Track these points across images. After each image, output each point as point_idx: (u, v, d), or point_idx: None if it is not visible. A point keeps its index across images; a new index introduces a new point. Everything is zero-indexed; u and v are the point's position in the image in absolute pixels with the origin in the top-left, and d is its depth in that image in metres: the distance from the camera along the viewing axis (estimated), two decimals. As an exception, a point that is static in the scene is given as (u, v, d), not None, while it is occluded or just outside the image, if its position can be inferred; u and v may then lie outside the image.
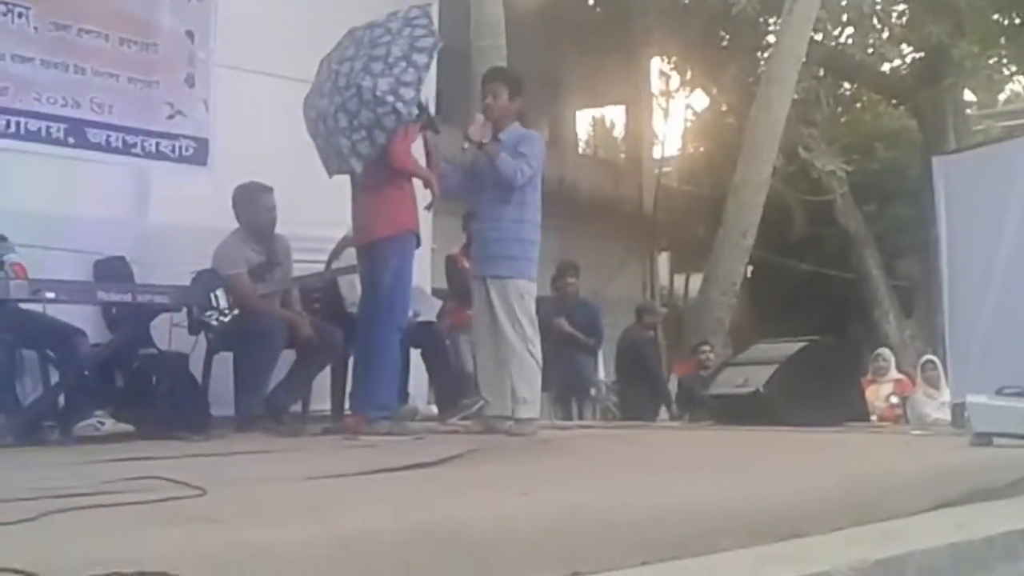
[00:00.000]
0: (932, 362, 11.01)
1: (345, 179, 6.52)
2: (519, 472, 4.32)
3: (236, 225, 7.10)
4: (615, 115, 24.45)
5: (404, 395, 7.38)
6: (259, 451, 5.20)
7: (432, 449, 5.00)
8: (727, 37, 18.77)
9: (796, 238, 20.26)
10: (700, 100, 21.67)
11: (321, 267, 7.69)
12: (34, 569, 2.06)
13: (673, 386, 12.61)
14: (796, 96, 15.04)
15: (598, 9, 19.58)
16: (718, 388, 8.77)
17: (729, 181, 14.74)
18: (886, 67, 20.41)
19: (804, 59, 14.66)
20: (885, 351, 12.80)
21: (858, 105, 22.85)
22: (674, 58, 20.45)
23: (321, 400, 7.47)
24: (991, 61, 18.97)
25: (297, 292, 7.35)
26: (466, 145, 6.50)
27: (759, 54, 18.48)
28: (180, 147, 7.30)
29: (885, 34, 18.93)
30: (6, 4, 6.58)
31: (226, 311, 6.79)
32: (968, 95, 21.08)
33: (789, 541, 3.14)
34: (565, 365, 10.36)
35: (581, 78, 20.13)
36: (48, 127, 6.71)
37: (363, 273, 6.67)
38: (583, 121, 23.91)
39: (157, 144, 7.20)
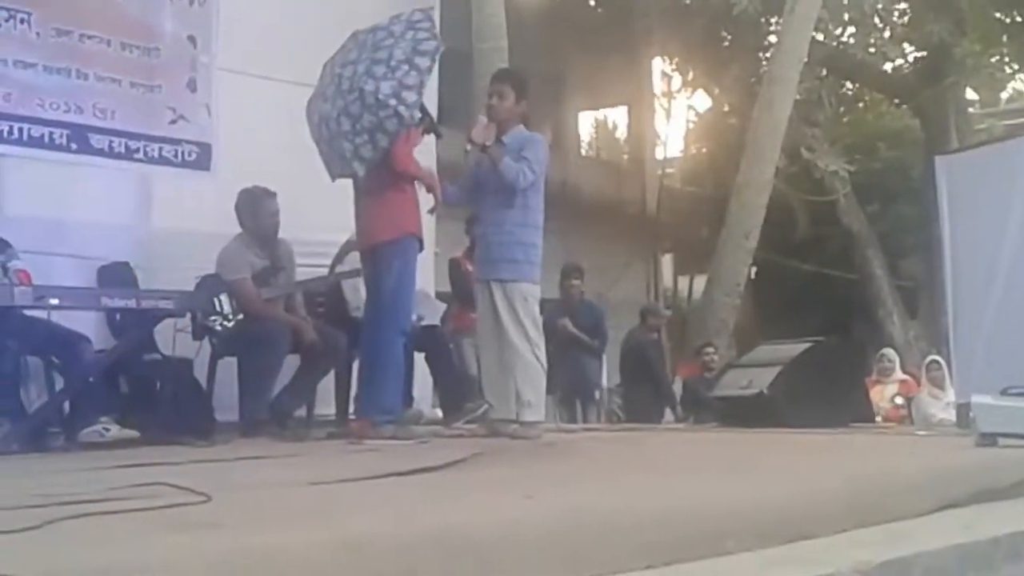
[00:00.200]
0: (937, 362, 10.99)
1: (348, 183, 6.52)
2: (524, 475, 4.32)
3: (239, 230, 7.10)
4: (617, 116, 24.44)
5: (408, 399, 7.37)
6: (264, 456, 5.19)
7: (436, 453, 5.00)
8: (729, 37, 18.77)
9: (799, 239, 20.25)
10: (702, 101, 21.71)
11: (324, 271, 7.69)
12: (40, 577, 2.06)
13: (677, 388, 12.61)
14: (798, 96, 15.03)
15: (599, 10, 19.59)
16: (722, 390, 8.77)
17: (732, 182, 14.73)
18: (888, 66, 20.39)
19: (806, 59, 14.66)
20: (889, 352, 12.79)
21: (860, 105, 22.83)
22: (676, 59, 20.46)
23: (326, 405, 7.47)
24: (993, 60, 18.96)
25: (301, 296, 7.35)
26: (469, 147, 6.51)
27: (761, 54, 18.49)
28: (183, 152, 7.30)
29: (887, 33, 18.94)
30: (8, 10, 6.58)
31: (230, 316, 6.79)
32: (970, 94, 21.07)
33: (794, 543, 3.13)
34: (570, 367, 10.36)
35: (583, 79, 20.13)
36: (51, 133, 6.71)
37: (367, 277, 6.67)
38: (585, 122, 23.91)
39: (160, 149, 7.20)
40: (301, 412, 7.23)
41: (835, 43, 18.50)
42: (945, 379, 10.42)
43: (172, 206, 7.51)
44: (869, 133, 22.16)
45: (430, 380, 7.98)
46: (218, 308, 6.72)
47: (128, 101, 7.05)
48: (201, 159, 7.36)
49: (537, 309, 6.58)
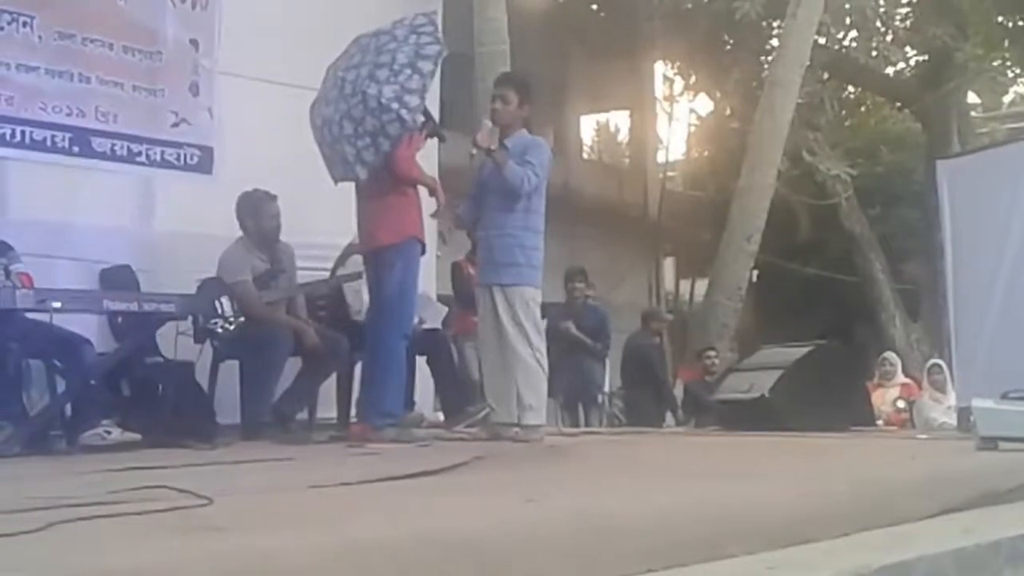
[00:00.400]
0: (938, 366, 10.99)
1: (350, 186, 6.53)
2: (525, 479, 4.32)
3: (241, 233, 7.11)
4: (619, 120, 24.47)
5: (410, 402, 7.38)
6: (265, 459, 5.19)
7: (438, 456, 5.00)
8: (731, 41, 18.74)
9: (801, 242, 20.23)
10: (704, 104, 21.68)
11: (327, 275, 7.69)
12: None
13: (679, 392, 12.62)
14: (800, 100, 15.02)
15: (602, 14, 19.58)
16: (724, 393, 8.78)
17: (733, 185, 14.74)
18: (890, 70, 20.38)
19: (808, 63, 14.66)
20: (891, 355, 12.80)
21: (862, 108, 22.82)
22: (678, 62, 20.44)
23: (327, 408, 7.47)
24: (995, 64, 18.93)
25: (303, 300, 7.36)
26: (474, 151, 6.51)
27: (763, 58, 18.48)
28: (185, 155, 7.29)
29: (889, 37, 18.90)
30: (11, 13, 6.58)
31: (231, 319, 6.80)
32: (972, 98, 21.06)
33: (795, 547, 3.14)
34: (572, 371, 10.38)
35: (585, 83, 20.14)
36: (53, 136, 6.71)
37: (369, 281, 6.68)
38: (587, 126, 23.92)
39: (162, 153, 7.20)
40: (303, 415, 7.24)
41: (837, 47, 18.48)
42: (947, 383, 10.43)
43: (174, 209, 7.52)
44: (871, 137, 22.15)
45: (431, 383, 7.98)
46: (219, 311, 6.72)
47: (130, 105, 7.04)
48: (203, 162, 7.36)
49: (539, 313, 6.59)
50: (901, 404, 11.51)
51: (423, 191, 6.61)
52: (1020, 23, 18.48)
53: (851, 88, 21.46)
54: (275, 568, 2.34)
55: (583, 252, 14.57)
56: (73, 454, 5.73)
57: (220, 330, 6.71)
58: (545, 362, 6.54)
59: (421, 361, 7.64)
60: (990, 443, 5.30)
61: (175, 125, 7.26)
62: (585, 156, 23.20)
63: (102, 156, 6.94)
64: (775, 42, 16.96)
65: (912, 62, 20.46)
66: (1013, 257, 7.65)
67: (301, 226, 7.41)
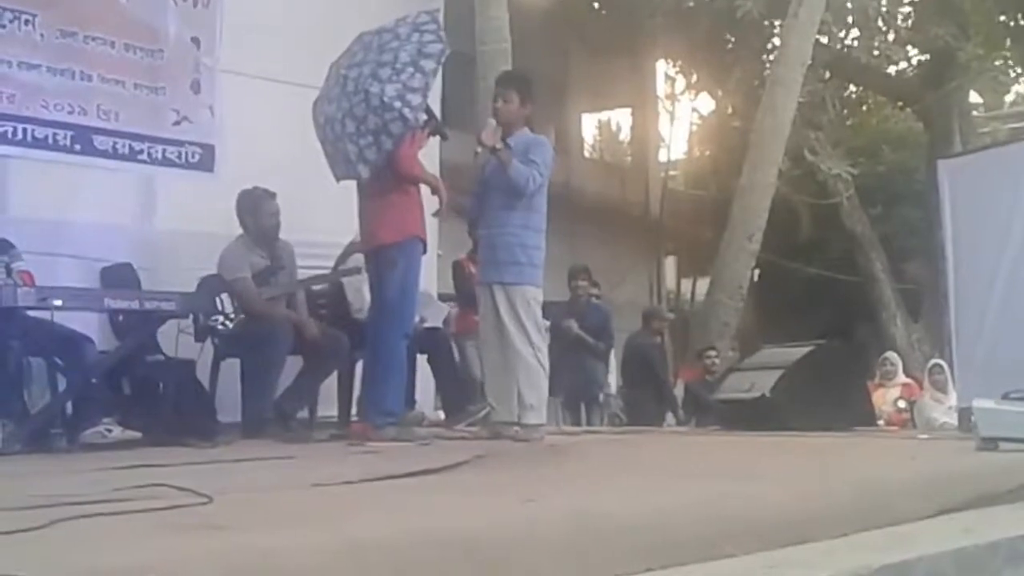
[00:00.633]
0: (939, 366, 10.98)
1: (352, 185, 6.53)
2: (525, 478, 4.33)
3: (241, 231, 7.13)
4: (621, 118, 24.47)
5: (411, 401, 7.39)
6: (266, 457, 5.20)
7: (438, 455, 5.00)
8: (732, 40, 18.75)
9: (802, 241, 20.24)
10: (706, 103, 21.70)
11: (327, 272, 7.70)
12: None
13: (679, 391, 12.62)
14: (802, 99, 15.02)
15: (603, 12, 19.57)
16: (725, 393, 8.77)
17: (735, 184, 14.74)
18: (892, 70, 20.37)
19: (810, 62, 14.65)
20: (892, 355, 12.80)
21: (864, 108, 22.82)
22: (680, 61, 20.44)
23: (328, 406, 7.48)
24: (997, 63, 18.94)
25: (303, 296, 7.35)
26: (479, 150, 6.52)
27: (764, 57, 18.48)
28: (186, 153, 7.29)
29: (891, 36, 18.90)
30: (13, 11, 6.58)
31: (231, 316, 6.81)
32: (974, 97, 21.05)
33: (795, 546, 3.14)
34: (575, 369, 10.37)
35: (586, 81, 20.13)
36: (55, 134, 6.71)
37: (371, 279, 6.68)
38: (588, 124, 23.91)
39: (163, 151, 7.20)
40: (303, 414, 7.24)
41: (839, 46, 18.48)
42: (947, 383, 10.42)
43: (175, 208, 7.53)
44: (872, 136, 22.14)
45: (432, 382, 7.99)
46: (219, 308, 6.74)
47: (132, 103, 7.05)
48: (204, 160, 7.36)
49: (539, 312, 6.59)
50: (902, 404, 11.51)
51: (425, 190, 6.62)
52: (1022, 23, 18.47)
53: (853, 87, 21.46)
54: (274, 566, 2.34)
55: (584, 251, 14.57)
56: (74, 452, 5.73)
57: (220, 326, 6.73)
58: (546, 361, 6.55)
59: (422, 360, 7.65)
60: (991, 443, 5.29)
61: (176, 123, 7.26)
62: (586, 155, 23.20)
63: (103, 154, 6.94)
64: (777, 41, 16.96)
65: (914, 61, 20.48)
66: (1014, 257, 7.64)
67: (302, 224, 7.41)
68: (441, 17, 6.88)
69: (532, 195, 6.49)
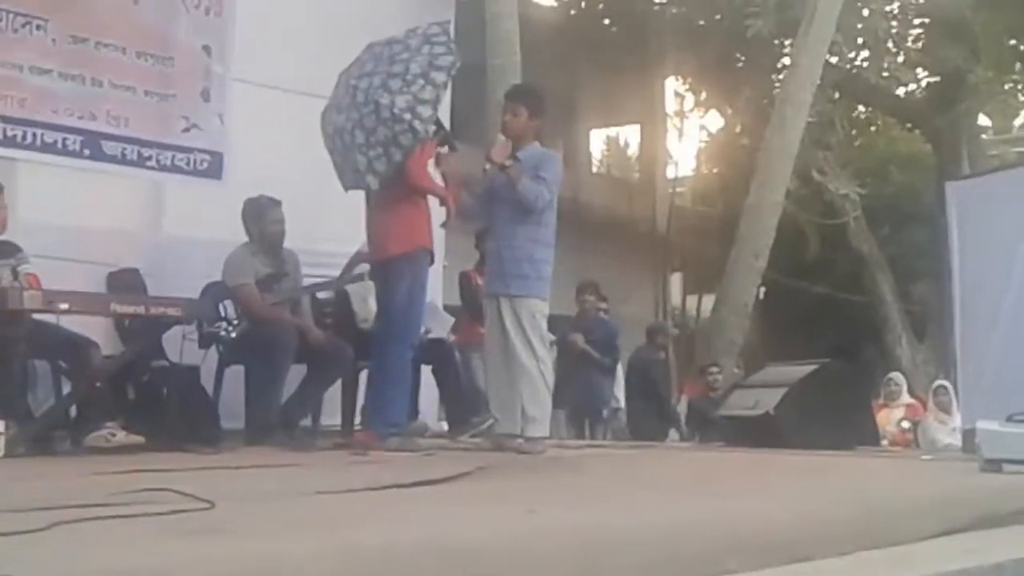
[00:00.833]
0: (944, 387, 10.97)
1: (359, 194, 6.54)
2: (527, 490, 4.33)
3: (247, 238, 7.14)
4: (629, 134, 24.46)
5: (414, 411, 7.38)
6: (268, 465, 5.21)
7: (441, 466, 5.00)
8: (742, 58, 18.76)
9: (809, 261, 20.22)
10: (714, 121, 21.70)
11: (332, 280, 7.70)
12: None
13: (682, 407, 12.61)
14: (810, 119, 15.02)
15: (614, 28, 19.60)
16: (729, 410, 8.75)
17: (742, 202, 14.72)
18: (901, 91, 20.40)
19: (819, 82, 14.65)
20: (897, 375, 12.79)
21: (873, 128, 22.83)
22: (689, 79, 20.44)
23: (332, 415, 7.47)
24: (1006, 87, 18.97)
25: (308, 304, 7.35)
26: (488, 166, 6.51)
27: (774, 76, 18.47)
28: (195, 160, 7.32)
29: (900, 58, 18.93)
30: (25, 17, 6.61)
31: (235, 321, 6.82)
32: (983, 120, 21.07)
33: (796, 564, 3.13)
34: (580, 383, 10.37)
35: (596, 97, 20.14)
36: (64, 139, 6.74)
37: (378, 290, 6.68)
38: (597, 140, 23.95)
39: (172, 157, 7.22)
40: (307, 422, 7.24)
41: (849, 66, 18.49)
42: (952, 404, 10.40)
43: (183, 214, 7.53)
44: (881, 157, 22.13)
45: (436, 393, 7.98)
46: (223, 314, 6.75)
47: (142, 109, 7.07)
48: (213, 168, 7.39)
49: (545, 325, 6.58)
50: (906, 424, 11.51)
51: (433, 201, 6.62)
52: (1032, 47, 18.51)
53: (862, 108, 21.49)
54: (275, 572, 2.34)
55: (591, 265, 14.55)
56: (77, 455, 5.75)
57: (223, 333, 6.73)
58: (550, 374, 6.54)
59: (426, 370, 7.64)
60: (994, 465, 5.28)
61: (186, 130, 7.29)
62: (595, 170, 23.20)
63: (112, 160, 6.97)
64: (786, 60, 16.97)
65: (923, 83, 20.48)
66: (1020, 280, 7.63)
67: (309, 233, 7.43)
68: (452, 29, 6.89)
69: (542, 211, 6.49)
